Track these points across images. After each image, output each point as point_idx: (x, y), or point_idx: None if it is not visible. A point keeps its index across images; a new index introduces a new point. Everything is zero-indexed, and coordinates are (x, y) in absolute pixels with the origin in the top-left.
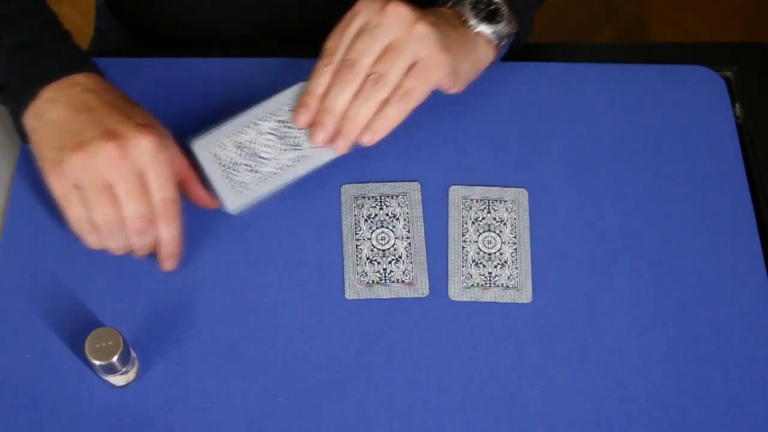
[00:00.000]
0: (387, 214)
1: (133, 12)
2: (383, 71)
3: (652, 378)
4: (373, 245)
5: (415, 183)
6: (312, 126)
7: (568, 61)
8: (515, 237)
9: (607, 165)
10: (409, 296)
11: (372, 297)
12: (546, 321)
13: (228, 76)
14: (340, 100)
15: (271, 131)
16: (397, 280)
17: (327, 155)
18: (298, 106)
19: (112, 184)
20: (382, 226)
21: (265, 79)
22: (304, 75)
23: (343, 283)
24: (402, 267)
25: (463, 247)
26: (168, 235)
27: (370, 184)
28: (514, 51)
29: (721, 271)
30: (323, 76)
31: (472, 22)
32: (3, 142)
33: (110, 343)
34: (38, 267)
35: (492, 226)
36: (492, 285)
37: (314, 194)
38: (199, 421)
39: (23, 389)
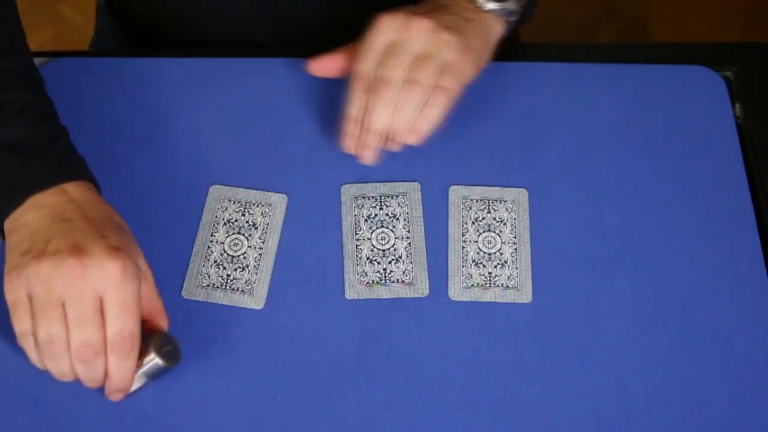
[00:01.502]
0: (387, 214)
1: (133, 12)
2: (417, 78)
3: (652, 378)
4: (373, 245)
5: (415, 183)
6: (358, 148)
7: (568, 61)
8: (515, 237)
9: (607, 165)
10: (409, 296)
11: (372, 297)
12: (546, 321)
13: (228, 76)
14: (382, 117)
15: (227, 234)
16: (397, 280)
17: (281, 204)
18: (342, 133)
19: (65, 302)
20: (382, 226)
21: (265, 79)
22: (305, 75)
23: (343, 283)
24: (402, 267)
25: (463, 247)
26: (119, 370)
27: (370, 184)
28: (514, 51)
29: (721, 271)
30: (359, 98)
31: (482, 1)
32: None
33: (171, 347)
34: None
35: (492, 226)
36: (492, 285)
37: (314, 194)
38: (199, 421)
39: (23, 389)
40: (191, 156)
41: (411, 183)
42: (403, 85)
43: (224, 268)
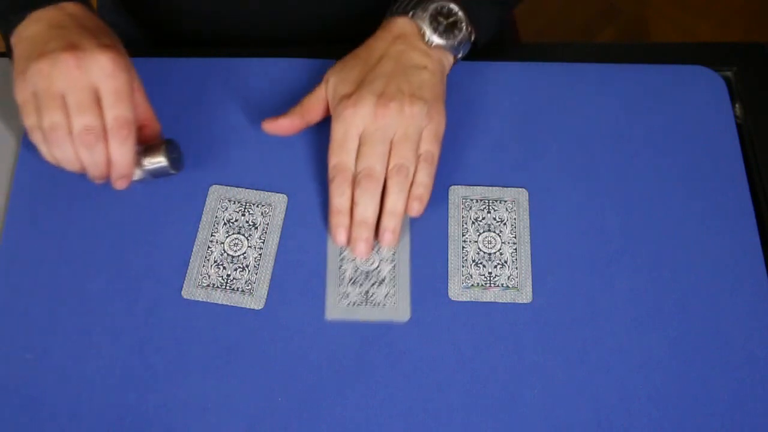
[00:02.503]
0: None
1: (146, 6)
2: (401, 162)
3: (652, 378)
4: (357, 266)
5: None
6: (351, 241)
7: (568, 61)
8: (515, 237)
9: (607, 165)
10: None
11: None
12: (546, 321)
13: (228, 76)
14: (371, 209)
15: (227, 234)
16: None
17: (281, 204)
18: (332, 226)
19: (64, 94)
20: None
21: (266, 79)
22: (308, 75)
23: None
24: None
25: (463, 247)
26: (119, 155)
27: None
28: (514, 51)
29: (721, 271)
30: (344, 191)
31: (432, 37)
32: (2, 144)
33: (177, 155)
34: (38, 267)
35: (492, 226)
36: (492, 285)
37: (314, 194)
38: (199, 421)
39: (23, 389)
40: (191, 156)
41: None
42: (389, 174)
43: (224, 268)
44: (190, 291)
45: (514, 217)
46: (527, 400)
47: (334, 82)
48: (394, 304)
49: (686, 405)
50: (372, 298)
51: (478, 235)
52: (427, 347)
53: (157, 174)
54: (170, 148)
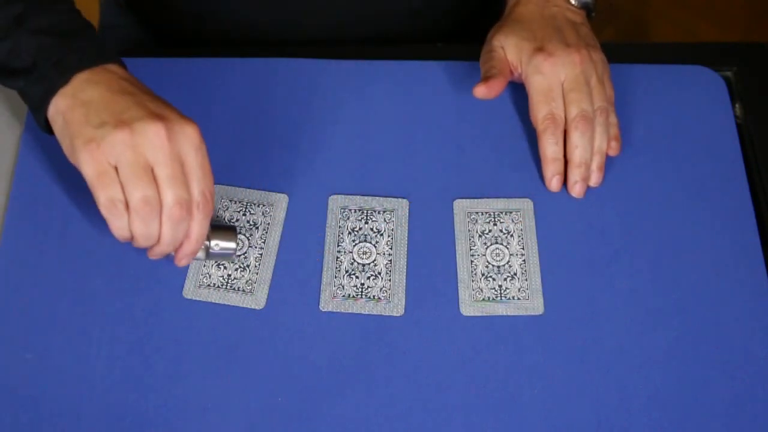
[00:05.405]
0: (372, 229)
1: (148, 7)
2: (603, 104)
3: (652, 378)
4: (353, 258)
5: (418, 197)
6: (569, 185)
7: None
8: (523, 248)
9: (607, 165)
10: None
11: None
12: (546, 321)
13: (228, 76)
14: (589, 150)
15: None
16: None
17: (282, 204)
18: (547, 175)
19: (153, 166)
20: (364, 241)
21: (266, 79)
22: (305, 74)
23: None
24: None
25: (472, 261)
26: (200, 230)
27: (376, 197)
28: None
29: (721, 271)
30: (558, 139)
31: (575, 1)
32: (2, 144)
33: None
34: (38, 267)
35: (499, 239)
36: (503, 297)
37: (316, 194)
38: (199, 421)
39: (23, 389)
40: None
41: (403, 199)
42: (595, 114)
43: (224, 268)
44: (191, 291)
45: (521, 227)
46: (527, 399)
47: (514, 42)
48: (389, 299)
49: (686, 405)
50: (367, 291)
51: (486, 248)
52: (427, 348)
53: (218, 257)
54: (236, 233)
